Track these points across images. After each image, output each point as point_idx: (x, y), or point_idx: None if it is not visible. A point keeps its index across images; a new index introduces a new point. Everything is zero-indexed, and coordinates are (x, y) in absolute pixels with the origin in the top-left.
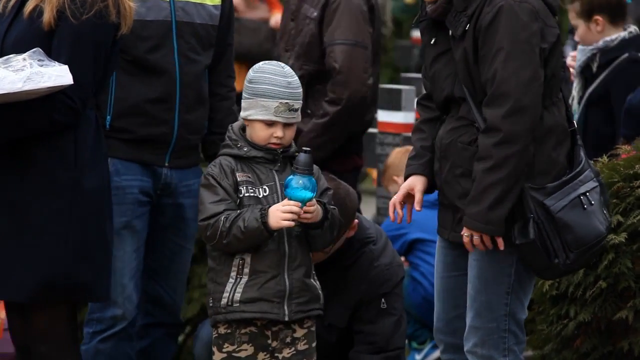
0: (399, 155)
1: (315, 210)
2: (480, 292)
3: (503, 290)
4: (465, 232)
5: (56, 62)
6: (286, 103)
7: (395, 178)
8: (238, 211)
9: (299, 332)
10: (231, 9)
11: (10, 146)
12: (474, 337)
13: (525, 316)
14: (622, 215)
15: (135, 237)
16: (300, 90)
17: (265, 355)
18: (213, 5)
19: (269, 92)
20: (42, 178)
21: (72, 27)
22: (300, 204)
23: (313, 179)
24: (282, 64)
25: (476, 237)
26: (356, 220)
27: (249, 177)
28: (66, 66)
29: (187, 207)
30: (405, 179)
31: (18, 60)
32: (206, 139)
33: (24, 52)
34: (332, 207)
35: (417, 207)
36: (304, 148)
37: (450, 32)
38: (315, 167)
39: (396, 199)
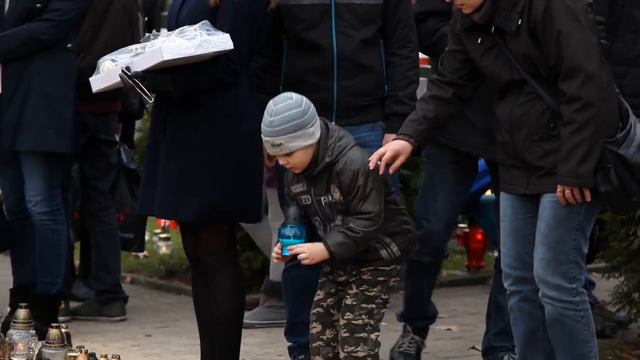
0: None
1: (304, 252)
2: (553, 229)
3: (573, 227)
4: (559, 189)
5: (220, 32)
6: (266, 140)
7: None
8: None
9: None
10: None
11: (183, 100)
12: (545, 269)
13: (587, 247)
14: None
15: None
16: (283, 127)
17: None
18: None
19: (262, 129)
20: (208, 124)
21: (233, 3)
22: (282, 247)
23: (297, 227)
24: (277, 100)
25: (568, 191)
26: None
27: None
28: (228, 35)
29: None
30: (398, 135)
31: (190, 30)
32: (383, 101)
33: (195, 24)
34: (351, 232)
35: (390, 170)
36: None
37: (493, 29)
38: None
39: (385, 156)
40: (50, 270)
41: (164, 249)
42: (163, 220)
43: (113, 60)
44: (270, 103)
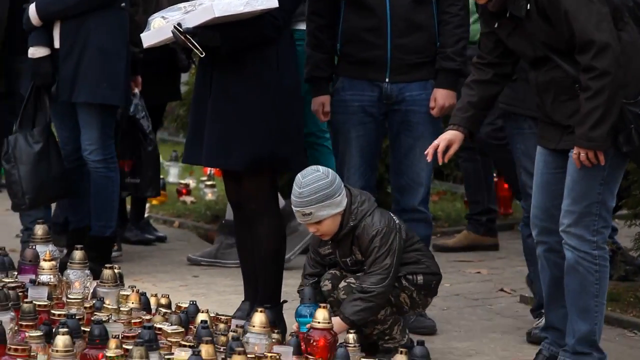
0: None
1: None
2: (577, 182)
3: (598, 181)
4: (575, 150)
5: None
6: (297, 210)
7: None
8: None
9: None
10: None
11: (229, 55)
12: (569, 219)
13: (614, 203)
14: None
15: (359, 141)
16: (314, 196)
17: None
18: None
19: (292, 200)
20: (253, 78)
21: None
22: (299, 325)
23: (313, 307)
24: (305, 173)
25: (583, 154)
26: None
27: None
28: None
29: (411, 113)
30: (449, 126)
31: None
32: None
33: None
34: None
35: (446, 159)
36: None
37: (508, 14)
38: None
39: (439, 147)
40: (104, 215)
41: (209, 195)
42: (209, 169)
43: (163, 18)
44: (299, 176)
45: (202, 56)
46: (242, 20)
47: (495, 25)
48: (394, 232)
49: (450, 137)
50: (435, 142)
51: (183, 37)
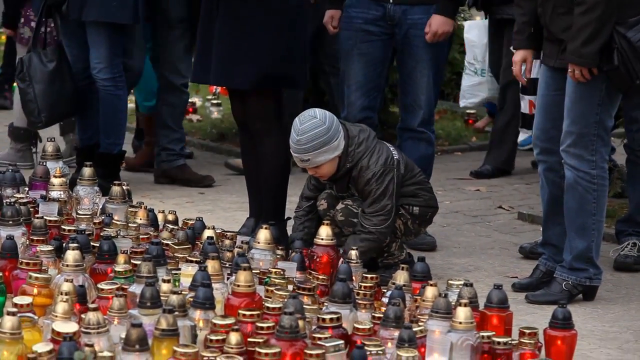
0: None
1: None
2: (575, 102)
3: (595, 102)
4: (570, 67)
5: None
6: (295, 156)
7: None
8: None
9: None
10: None
11: None
12: (568, 139)
13: (612, 124)
14: None
15: (362, 59)
16: (309, 145)
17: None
18: None
19: (290, 146)
20: None
21: None
22: None
23: None
24: (302, 119)
25: (577, 72)
26: None
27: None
28: None
29: (413, 36)
30: (515, 50)
31: None
32: None
33: None
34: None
35: (527, 74)
36: None
37: None
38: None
39: (515, 71)
40: (113, 132)
41: (215, 114)
42: (215, 87)
43: None
44: (296, 121)
45: None
46: None
47: None
48: (391, 172)
49: (520, 57)
50: (512, 69)
51: None
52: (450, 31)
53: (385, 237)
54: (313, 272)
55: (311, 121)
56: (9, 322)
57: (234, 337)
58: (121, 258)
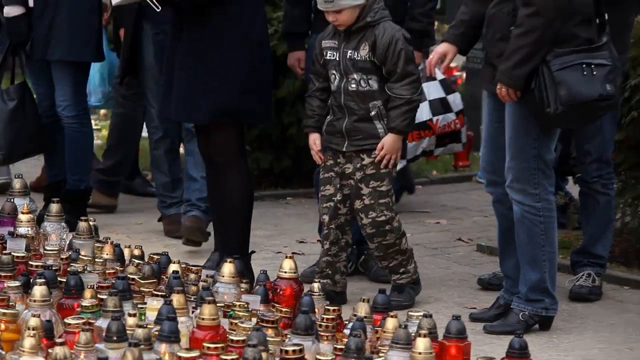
0: None
1: (387, 154)
2: (513, 139)
3: (532, 137)
4: (498, 85)
5: None
6: None
7: None
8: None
9: (367, 160)
10: None
11: (194, 11)
12: (510, 175)
13: (552, 157)
14: None
15: None
16: None
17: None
18: None
19: None
20: (217, 32)
21: None
22: None
23: None
24: None
25: (504, 90)
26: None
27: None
28: None
29: None
30: (442, 41)
31: None
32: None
33: None
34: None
35: (442, 70)
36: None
37: None
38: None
39: (433, 60)
40: (78, 169)
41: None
42: None
43: None
44: None
45: (158, 10)
46: None
47: None
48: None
49: (442, 49)
50: (430, 56)
51: None
52: (419, 63)
53: (419, 103)
54: (276, 305)
55: None
56: None
57: None
58: (88, 293)
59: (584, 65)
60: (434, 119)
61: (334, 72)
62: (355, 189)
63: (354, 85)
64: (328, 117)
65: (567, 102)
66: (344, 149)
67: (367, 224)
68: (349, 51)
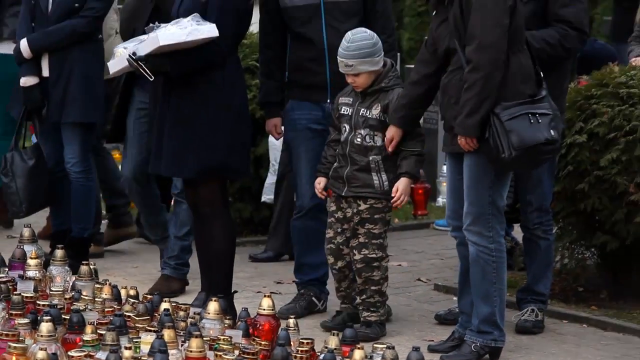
0: None
1: (402, 195)
2: (470, 188)
3: (487, 186)
4: (459, 137)
5: (208, 22)
6: (341, 61)
7: None
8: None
9: (363, 206)
10: None
11: (182, 79)
12: (468, 219)
13: (503, 204)
14: (583, 122)
15: (309, 155)
16: (357, 52)
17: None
18: None
19: (339, 52)
20: (202, 99)
21: (219, 1)
22: None
23: None
24: (355, 32)
25: (462, 140)
26: None
27: (349, 101)
28: (214, 25)
29: None
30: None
31: (184, 21)
32: None
33: (188, 16)
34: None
35: (390, 149)
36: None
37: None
38: None
39: (386, 144)
40: (83, 219)
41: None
42: None
43: (125, 48)
44: (349, 33)
45: (151, 80)
46: (189, 48)
47: (434, 13)
48: None
49: (389, 134)
50: (385, 140)
51: (136, 64)
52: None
53: (423, 158)
54: (256, 339)
55: (362, 34)
56: None
57: None
58: (89, 329)
59: (530, 115)
60: None
61: (346, 124)
62: (352, 230)
63: (359, 139)
64: (334, 164)
65: (519, 147)
66: (343, 194)
67: (358, 260)
68: (362, 109)
